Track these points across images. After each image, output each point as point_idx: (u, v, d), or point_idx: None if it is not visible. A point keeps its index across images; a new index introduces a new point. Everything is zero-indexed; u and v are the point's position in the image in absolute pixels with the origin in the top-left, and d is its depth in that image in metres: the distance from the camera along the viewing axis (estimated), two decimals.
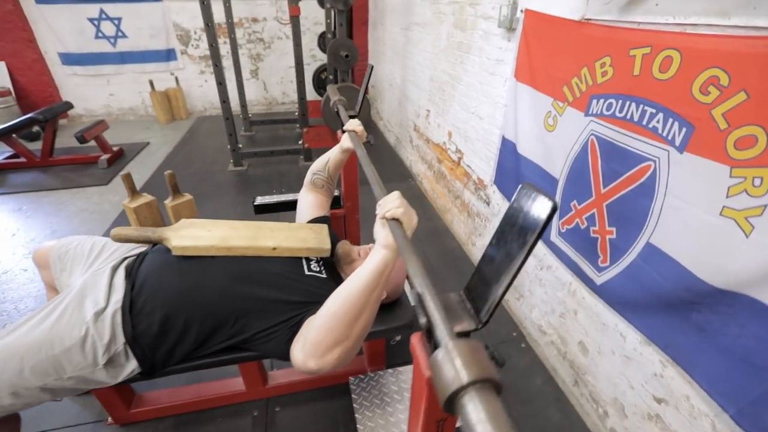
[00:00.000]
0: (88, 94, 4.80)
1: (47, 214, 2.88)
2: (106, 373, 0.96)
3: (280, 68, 5.27)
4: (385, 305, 1.27)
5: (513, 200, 0.54)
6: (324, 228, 1.18)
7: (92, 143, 3.63)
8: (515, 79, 1.71)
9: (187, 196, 2.08)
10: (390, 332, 1.22)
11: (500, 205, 2.01)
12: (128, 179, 1.96)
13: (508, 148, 1.85)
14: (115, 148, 3.79)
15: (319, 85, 4.79)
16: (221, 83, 3.02)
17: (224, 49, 4.61)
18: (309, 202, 1.41)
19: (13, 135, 3.46)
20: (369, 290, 0.76)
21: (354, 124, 1.31)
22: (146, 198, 2.02)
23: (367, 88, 1.65)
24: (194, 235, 1.03)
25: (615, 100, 1.18)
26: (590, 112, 1.29)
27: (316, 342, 0.76)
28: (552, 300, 1.65)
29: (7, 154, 3.64)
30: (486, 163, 2.12)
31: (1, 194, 3.17)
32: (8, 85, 4.44)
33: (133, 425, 1.41)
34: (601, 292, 1.34)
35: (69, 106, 3.71)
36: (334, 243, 1.24)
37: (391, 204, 0.73)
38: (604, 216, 1.27)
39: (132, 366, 0.98)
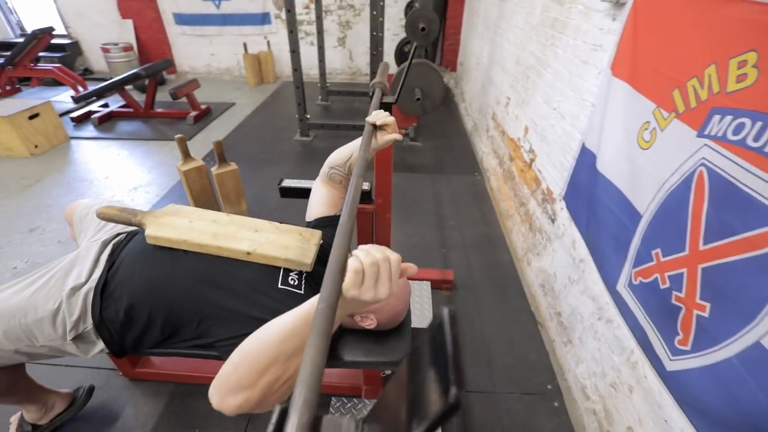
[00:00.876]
0: (193, 52, 5.21)
1: (136, 162, 3.20)
2: (76, 348, 0.95)
3: (368, 37, 5.09)
4: (379, 333, 1.08)
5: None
6: (316, 236, 1.02)
7: (185, 100, 3.93)
8: (611, 73, 1.30)
9: (232, 166, 2.08)
10: (377, 365, 1.04)
11: (566, 226, 1.64)
12: (182, 142, 2.01)
13: (586, 160, 1.46)
14: (203, 106, 4.07)
15: (402, 58, 4.52)
16: (294, 51, 2.96)
17: (315, 14, 4.56)
18: (321, 197, 1.25)
19: (125, 87, 3.88)
20: (285, 339, 0.59)
21: (382, 116, 1.06)
22: (197, 163, 2.06)
23: (408, 70, 1.39)
24: (173, 224, 0.95)
25: (750, 121, 0.78)
26: (706, 132, 0.89)
27: (223, 377, 0.62)
28: (605, 362, 1.30)
29: (121, 104, 4.12)
30: (559, 172, 1.74)
31: (110, 138, 3.61)
32: (132, 41, 5.00)
33: (140, 382, 1.48)
34: (671, 381, 0.97)
35: (168, 63, 4.03)
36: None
37: (364, 258, 0.53)
38: (696, 282, 0.90)
39: (102, 345, 0.96)
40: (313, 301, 0.60)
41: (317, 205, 1.24)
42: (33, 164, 3.12)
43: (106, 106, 4.19)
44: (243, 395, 0.60)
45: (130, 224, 0.97)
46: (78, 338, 0.94)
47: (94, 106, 4.15)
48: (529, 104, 2.23)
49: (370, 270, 0.53)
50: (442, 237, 2.32)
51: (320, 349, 0.42)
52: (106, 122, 3.91)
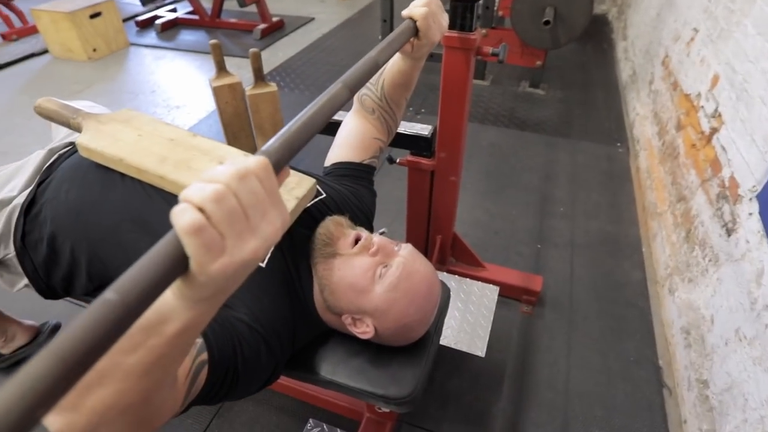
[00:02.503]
0: None
1: (188, 78, 3.37)
2: None
3: None
4: (384, 349, 0.87)
5: None
6: (305, 184, 0.82)
7: (255, 9, 3.99)
8: None
9: (272, 87, 1.98)
10: (363, 395, 0.84)
11: (750, 244, 1.21)
12: (217, 50, 1.96)
13: None
14: (275, 19, 4.09)
15: None
16: None
17: None
18: (348, 133, 1.06)
19: None
20: (118, 347, 0.42)
21: (431, 3, 0.79)
22: (232, 78, 2.01)
23: None
24: (115, 135, 0.85)
25: None
26: None
27: None
28: None
29: (189, 10, 4.36)
30: (759, 152, 1.29)
31: (169, 48, 3.86)
32: None
33: None
34: None
35: None
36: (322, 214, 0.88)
37: (199, 196, 0.34)
38: None
39: (26, 280, 0.93)
40: (167, 295, 0.42)
41: (340, 146, 1.06)
42: (88, 69, 3.48)
43: (174, 11, 4.48)
44: (63, 418, 0.46)
45: (69, 127, 0.89)
46: (1, 266, 0.92)
47: (162, 10, 4.47)
48: (730, 37, 1.69)
49: (221, 211, 0.33)
50: (541, 227, 1.97)
51: (45, 375, 0.25)
52: (170, 30, 4.18)
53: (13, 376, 0.24)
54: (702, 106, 1.80)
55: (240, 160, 0.36)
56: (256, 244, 0.36)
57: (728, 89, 1.60)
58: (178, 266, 0.33)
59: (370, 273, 0.78)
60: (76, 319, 0.28)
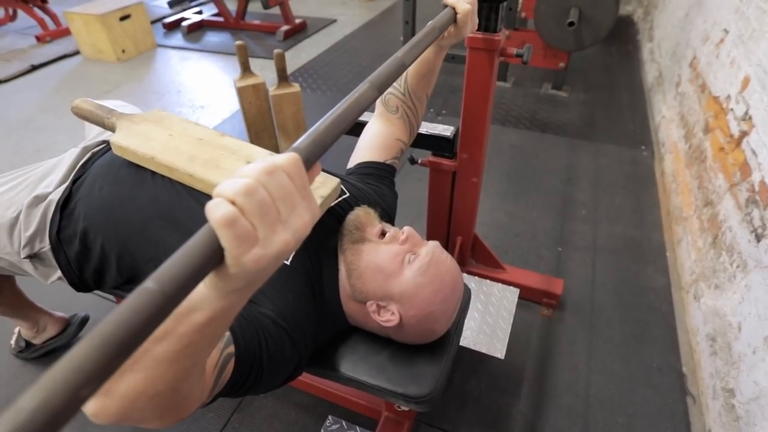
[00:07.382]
0: None
1: (213, 78, 3.43)
2: (34, 269, 0.97)
3: None
4: (404, 347, 0.88)
5: None
6: (329, 184, 0.83)
7: (279, 12, 4.04)
8: None
9: (294, 88, 2.00)
10: (383, 392, 0.85)
11: None
12: (242, 51, 1.99)
13: None
14: (298, 21, 4.14)
15: None
16: None
17: None
18: (371, 135, 1.08)
19: None
20: (153, 335, 0.44)
21: None
22: (256, 79, 2.04)
23: None
24: (147, 134, 0.87)
25: None
26: None
27: None
28: None
29: (214, 12, 4.44)
30: None
31: (194, 49, 3.94)
32: None
33: None
34: None
35: None
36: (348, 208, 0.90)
37: (232, 190, 0.35)
38: None
39: (60, 273, 0.96)
40: (200, 287, 0.43)
41: (363, 148, 1.09)
42: (118, 70, 3.57)
43: (200, 13, 4.56)
44: (98, 402, 0.47)
45: (104, 126, 0.92)
46: (36, 258, 0.96)
47: (188, 13, 4.56)
48: (762, 38, 1.64)
49: (252, 203, 0.35)
50: (562, 230, 1.95)
51: (90, 357, 0.26)
52: (196, 31, 4.26)
53: (62, 358, 0.26)
54: (731, 109, 1.76)
55: (270, 158, 0.38)
56: (287, 236, 0.37)
57: (760, 91, 1.55)
58: (213, 258, 0.34)
59: (399, 258, 0.81)
60: (118, 306, 0.29)
